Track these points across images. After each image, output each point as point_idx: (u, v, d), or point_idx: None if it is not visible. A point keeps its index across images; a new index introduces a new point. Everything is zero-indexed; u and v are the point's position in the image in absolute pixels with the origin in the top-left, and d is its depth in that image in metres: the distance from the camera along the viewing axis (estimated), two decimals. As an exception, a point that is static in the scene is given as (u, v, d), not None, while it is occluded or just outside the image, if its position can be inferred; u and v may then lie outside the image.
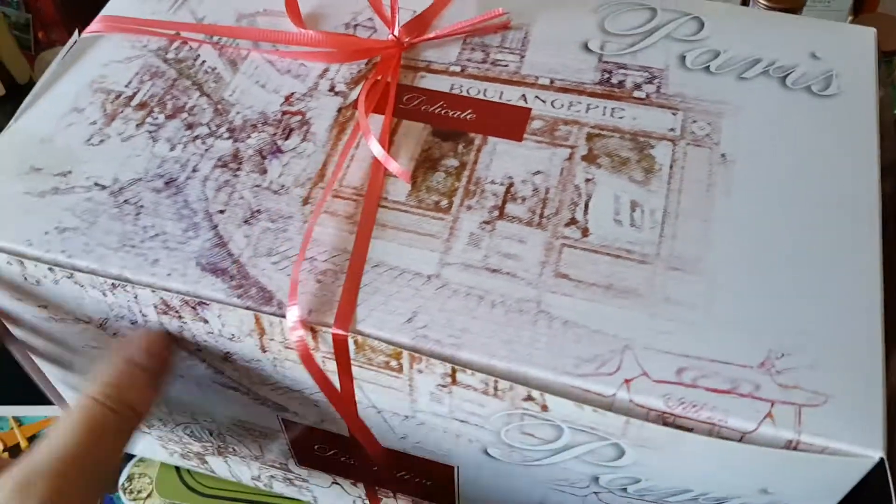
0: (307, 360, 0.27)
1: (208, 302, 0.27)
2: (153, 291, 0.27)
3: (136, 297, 0.28)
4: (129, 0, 0.37)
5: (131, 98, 0.33)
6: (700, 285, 0.26)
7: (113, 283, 0.28)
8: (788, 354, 0.25)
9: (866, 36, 0.34)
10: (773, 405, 0.24)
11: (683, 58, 0.34)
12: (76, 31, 0.35)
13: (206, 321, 0.28)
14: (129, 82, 0.33)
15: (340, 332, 0.26)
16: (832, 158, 0.30)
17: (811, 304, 0.26)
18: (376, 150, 0.30)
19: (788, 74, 0.33)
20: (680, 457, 0.25)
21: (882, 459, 0.22)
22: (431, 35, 0.34)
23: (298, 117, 0.32)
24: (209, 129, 0.32)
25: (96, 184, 0.30)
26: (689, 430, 0.24)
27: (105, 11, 0.37)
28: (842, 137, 0.31)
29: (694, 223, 0.28)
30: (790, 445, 0.23)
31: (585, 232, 0.28)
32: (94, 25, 0.35)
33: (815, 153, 0.30)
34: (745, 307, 0.26)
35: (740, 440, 0.24)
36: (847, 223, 0.28)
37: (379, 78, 0.33)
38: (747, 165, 0.30)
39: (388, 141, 0.31)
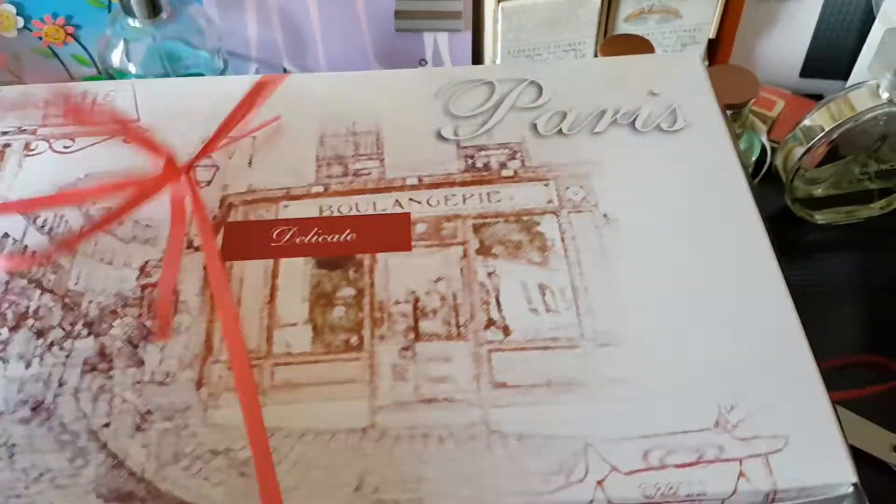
0: None
1: None
2: None
3: None
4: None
5: (-43, 318, 0.28)
6: (632, 357, 0.26)
7: None
8: (736, 405, 0.25)
9: (693, 61, 0.36)
10: (741, 463, 0.24)
11: (535, 126, 0.34)
12: None
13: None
14: (-51, 299, 0.28)
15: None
16: (705, 191, 0.31)
17: (738, 347, 0.26)
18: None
19: (636, 118, 0.34)
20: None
21: (856, 485, 0.23)
22: (202, 146, 0.32)
23: (163, 288, 0.29)
24: (63, 330, 0.27)
25: (-55, 435, 0.25)
26: (672, 511, 0.24)
27: None
28: (706, 167, 0.32)
29: (603, 293, 0.28)
30: (770, 498, 0.23)
31: (507, 330, 0.27)
32: None
33: (687, 190, 0.31)
34: (681, 366, 0.26)
35: (721, 504, 0.24)
36: (742, 253, 0.29)
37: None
38: (631, 220, 0.30)
39: (272, 286, 0.29)
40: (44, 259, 0.29)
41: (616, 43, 0.50)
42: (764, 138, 0.51)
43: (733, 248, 0.29)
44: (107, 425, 0.25)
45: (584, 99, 0.35)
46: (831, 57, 0.59)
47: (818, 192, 0.51)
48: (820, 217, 0.51)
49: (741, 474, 0.23)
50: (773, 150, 0.51)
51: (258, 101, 0.32)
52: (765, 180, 0.51)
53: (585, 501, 0.23)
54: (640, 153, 0.32)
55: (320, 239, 0.30)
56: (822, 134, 0.47)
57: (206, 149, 0.32)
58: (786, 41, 0.59)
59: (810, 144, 0.48)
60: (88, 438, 0.25)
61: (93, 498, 0.24)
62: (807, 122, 0.48)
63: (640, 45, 0.50)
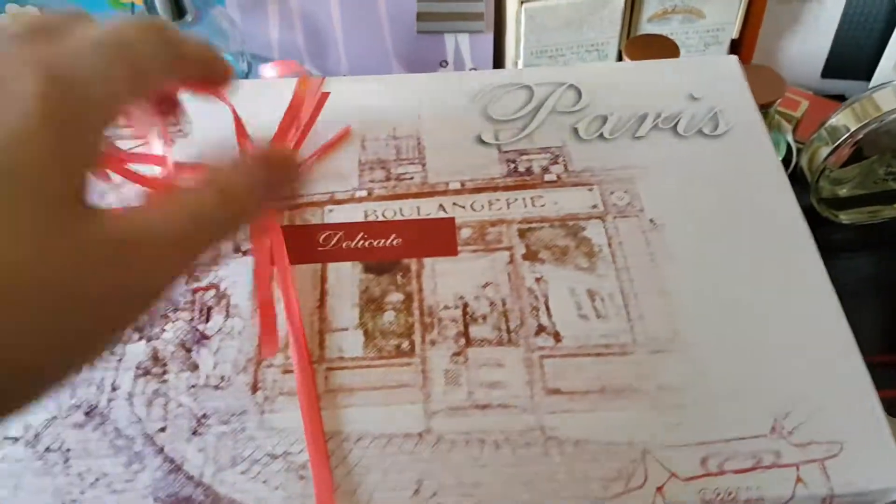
0: None
1: None
2: None
3: None
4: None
5: (7, 321, 0.28)
6: (685, 363, 0.26)
7: None
8: (791, 411, 0.25)
9: (731, 64, 0.36)
10: (798, 468, 0.24)
11: (576, 130, 0.34)
12: None
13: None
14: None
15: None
16: (750, 195, 0.31)
17: (790, 353, 0.27)
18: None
19: (677, 122, 0.34)
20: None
21: (912, 491, 0.23)
22: None
23: (212, 292, 0.29)
24: (114, 333, 0.28)
25: (6, 437, 0.25)
26: (730, 516, 0.24)
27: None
28: (749, 171, 0.32)
29: (653, 298, 0.28)
30: (826, 502, 0.24)
31: (557, 337, 0.27)
32: None
33: (732, 194, 0.31)
34: (735, 372, 0.26)
35: (778, 510, 0.24)
36: (789, 256, 0.29)
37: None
38: (677, 225, 0.30)
39: (322, 290, 0.29)
40: None
41: (640, 43, 0.50)
42: (790, 138, 0.51)
43: (781, 251, 0.29)
44: (163, 429, 0.25)
45: (623, 103, 0.35)
46: (853, 57, 0.59)
47: (843, 192, 0.52)
48: (844, 217, 0.52)
49: (798, 479, 0.24)
50: (799, 151, 0.51)
51: (319, 112, 0.32)
52: (790, 180, 0.51)
53: (645, 507, 0.23)
54: (684, 158, 0.32)
55: (367, 243, 0.30)
56: (847, 134, 0.47)
57: None
58: (808, 42, 0.59)
59: (835, 145, 0.48)
60: (144, 443, 0.25)
61: (150, 502, 0.24)
62: (832, 122, 0.49)
63: (664, 45, 0.50)
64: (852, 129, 0.47)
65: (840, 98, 0.59)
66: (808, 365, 0.26)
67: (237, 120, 0.32)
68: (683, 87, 0.35)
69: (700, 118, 0.34)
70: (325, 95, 0.35)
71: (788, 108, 0.56)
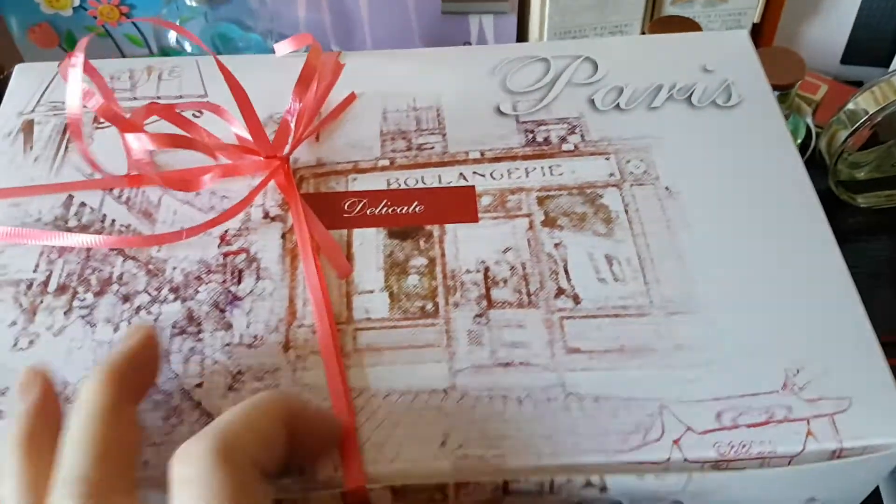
0: None
1: None
2: None
3: None
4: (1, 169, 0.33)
5: (46, 284, 0.29)
6: (700, 324, 0.27)
7: None
8: (803, 368, 0.26)
9: (741, 37, 0.37)
10: (808, 422, 0.25)
11: (593, 101, 0.35)
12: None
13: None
14: (37, 266, 0.29)
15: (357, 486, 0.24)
16: (760, 164, 0.32)
17: (799, 313, 0.28)
18: (310, 271, 0.28)
19: (692, 94, 0.35)
20: (735, 491, 0.26)
21: (918, 444, 0.24)
22: (302, 135, 0.33)
23: (243, 255, 0.30)
24: (149, 295, 0.29)
25: (46, 397, 0.26)
26: (743, 468, 0.25)
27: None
28: (762, 142, 0.33)
29: (670, 263, 0.29)
30: (835, 455, 0.25)
31: (577, 299, 0.28)
32: None
33: (745, 164, 0.32)
34: (748, 333, 0.27)
35: (789, 464, 0.25)
36: (798, 221, 0.30)
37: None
38: (692, 193, 0.31)
39: (348, 255, 0.30)
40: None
41: (663, 25, 0.51)
42: (809, 120, 0.51)
43: (790, 218, 0.30)
44: (199, 385, 0.26)
45: (638, 75, 0.36)
46: (873, 44, 0.59)
47: (861, 175, 0.52)
48: (862, 200, 0.52)
49: (809, 433, 0.25)
50: (818, 134, 0.52)
51: (335, 80, 0.33)
52: (808, 163, 0.51)
53: (663, 459, 0.24)
54: (698, 128, 0.33)
55: (390, 210, 0.31)
56: (867, 117, 0.48)
57: (299, 138, 0.33)
58: (827, 27, 0.59)
59: (854, 127, 0.48)
60: (182, 398, 0.26)
61: (188, 454, 0.25)
62: (851, 105, 0.49)
63: (687, 27, 0.50)
64: (871, 112, 0.48)
65: (859, 84, 0.59)
66: (817, 325, 0.27)
67: None
68: (696, 60, 0.36)
69: (713, 90, 0.35)
70: (341, 66, 0.36)
71: (808, 91, 0.56)
